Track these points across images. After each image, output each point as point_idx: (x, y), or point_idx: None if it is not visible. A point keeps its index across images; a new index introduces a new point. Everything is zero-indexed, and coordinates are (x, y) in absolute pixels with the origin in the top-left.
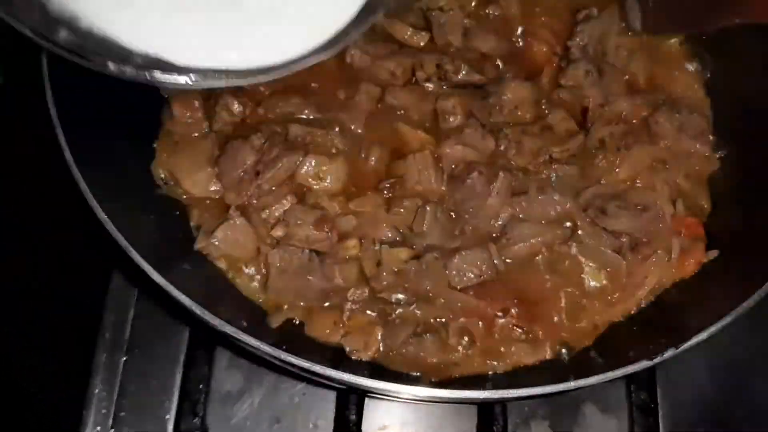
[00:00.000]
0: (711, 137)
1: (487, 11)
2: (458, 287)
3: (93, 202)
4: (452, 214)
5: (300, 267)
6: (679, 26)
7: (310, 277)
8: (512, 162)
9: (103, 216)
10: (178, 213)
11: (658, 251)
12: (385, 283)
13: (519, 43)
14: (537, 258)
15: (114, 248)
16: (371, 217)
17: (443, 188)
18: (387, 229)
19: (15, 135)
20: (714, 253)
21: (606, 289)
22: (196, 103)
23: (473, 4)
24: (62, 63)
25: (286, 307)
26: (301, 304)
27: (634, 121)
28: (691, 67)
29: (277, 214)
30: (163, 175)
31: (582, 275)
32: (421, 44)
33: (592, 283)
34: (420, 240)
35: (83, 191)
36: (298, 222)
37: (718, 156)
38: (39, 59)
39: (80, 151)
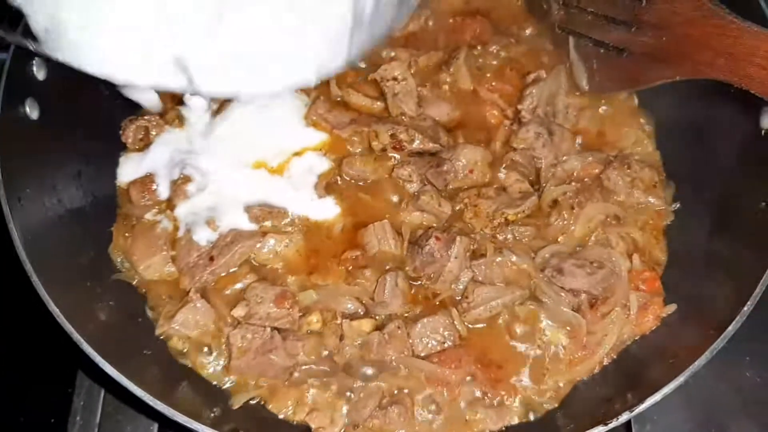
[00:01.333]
0: (663, 190)
1: (439, 79)
2: (421, 355)
3: (44, 295)
4: (413, 280)
5: (262, 345)
6: (623, 84)
7: (273, 356)
8: (470, 225)
9: (53, 308)
10: (137, 297)
11: (617, 308)
12: (348, 356)
13: (471, 108)
14: (498, 320)
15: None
16: (332, 290)
17: (403, 255)
18: (349, 301)
19: None
20: (672, 308)
21: (568, 349)
22: (152, 186)
23: (426, 72)
24: (15, 153)
25: (248, 386)
26: (264, 383)
27: (586, 179)
28: (639, 121)
29: (237, 293)
30: (119, 259)
31: (543, 335)
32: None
33: (554, 343)
34: (382, 309)
35: (35, 284)
36: (259, 300)
37: (672, 209)
38: None
39: (34, 245)
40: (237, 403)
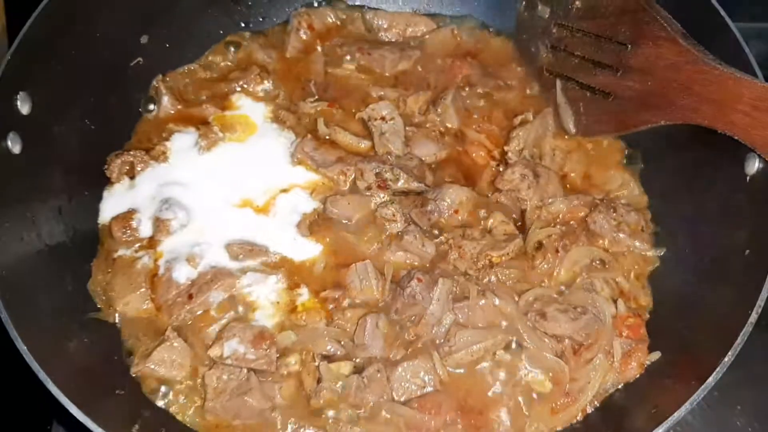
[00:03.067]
0: (649, 235)
1: (427, 119)
2: (401, 400)
3: (12, 332)
4: (395, 322)
5: (238, 387)
6: (610, 128)
7: (248, 398)
8: (454, 266)
9: (22, 346)
10: (113, 334)
11: (600, 354)
12: (323, 401)
13: (458, 148)
14: (480, 365)
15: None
16: (311, 331)
17: (386, 297)
18: (328, 342)
19: None
20: (656, 355)
21: (550, 395)
22: (134, 223)
23: (415, 111)
24: None
25: (223, 429)
26: (240, 425)
27: (571, 222)
28: (626, 165)
29: (215, 332)
30: (98, 295)
31: (525, 381)
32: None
33: (536, 390)
34: (362, 352)
35: (4, 321)
36: (236, 340)
37: (658, 254)
38: None
39: (9, 280)
40: None
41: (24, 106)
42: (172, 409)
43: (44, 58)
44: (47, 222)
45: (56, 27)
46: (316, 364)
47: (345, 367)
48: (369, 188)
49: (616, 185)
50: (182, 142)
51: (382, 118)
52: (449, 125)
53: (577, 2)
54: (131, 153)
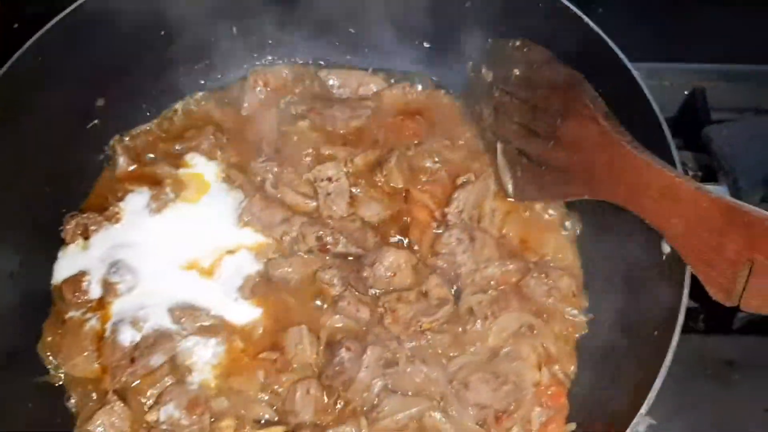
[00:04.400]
0: (580, 300)
1: (374, 178)
2: None
3: None
4: (328, 387)
5: None
6: (542, 195)
7: None
8: (387, 330)
9: None
10: (59, 397)
11: (518, 423)
12: None
13: (403, 208)
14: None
15: None
16: (245, 396)
17: (319, 361)
18: (262, 407)
19: None
20: (572, 426)
21: None
22: (84, 285)
23: (362, 170)
24: None
25: None
26: None
27: (503, 286)
28: (562, 228)
29: (154, 396)
30: (47, 357)
31: None
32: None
33: None
34: (293, 418)
35: None
36: (173, 404)
37: (586, 319)
38: None
39: None
40: None
41: None
42: None
43: None
44: None
45: (10, 95)
46: (246, 429)
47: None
48: (310, 251)
49: (550, 248)
50: (135, 202)
51: (329, 179)
52: (393, 185)
53: (515, 70)
54: (85, 215)
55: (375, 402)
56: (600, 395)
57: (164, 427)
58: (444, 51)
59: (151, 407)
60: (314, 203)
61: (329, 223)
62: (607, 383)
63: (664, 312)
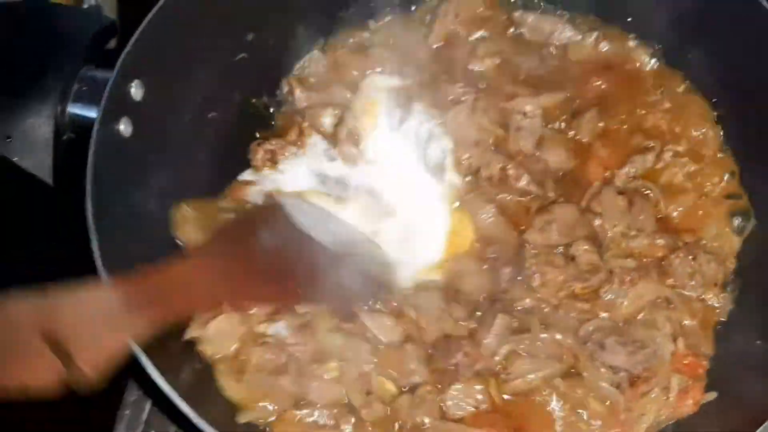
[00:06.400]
0: (725, 290)
1: (563, 127)
2: (453, 418)
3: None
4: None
5: (275, 368)
6: None
7: (283, 381)
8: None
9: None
10: None
11: (656, 389)
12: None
13: (582, 162)
14: (536, 393)
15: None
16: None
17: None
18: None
19: None
20: (713, 395)
21: (604, 424)
22: None
23: (556, 117)
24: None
25: (258, 405)
26: (272, 407)
27: (645, 259)
28: (728, 215)
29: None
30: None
31: (581, 409)
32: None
33: (591, 418)
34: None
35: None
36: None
37: (726, 309)
38: None
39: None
40: (244, 418)
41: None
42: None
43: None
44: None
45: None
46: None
47: (391, 385)
48: (490, 178)
49: (711, 234)
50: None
51: (524, 114)
52: (579, 138)
53: None
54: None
55: (503, 365)
56: (738, 384)
57: (271, 341)
58: None
59: (265, 320)
60: (501, 131)
61: (517, 156)
62: (747, 375)
63: None
